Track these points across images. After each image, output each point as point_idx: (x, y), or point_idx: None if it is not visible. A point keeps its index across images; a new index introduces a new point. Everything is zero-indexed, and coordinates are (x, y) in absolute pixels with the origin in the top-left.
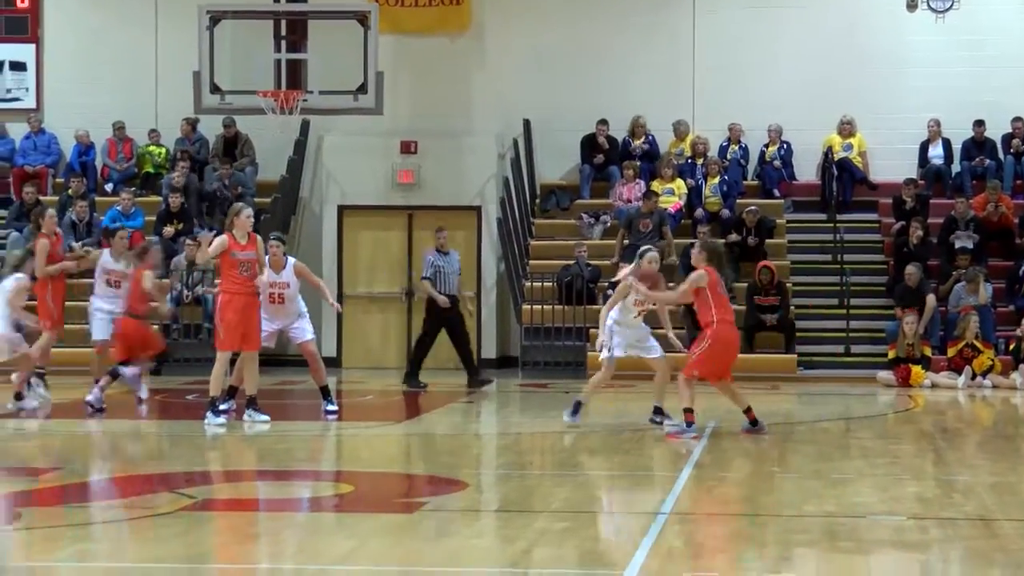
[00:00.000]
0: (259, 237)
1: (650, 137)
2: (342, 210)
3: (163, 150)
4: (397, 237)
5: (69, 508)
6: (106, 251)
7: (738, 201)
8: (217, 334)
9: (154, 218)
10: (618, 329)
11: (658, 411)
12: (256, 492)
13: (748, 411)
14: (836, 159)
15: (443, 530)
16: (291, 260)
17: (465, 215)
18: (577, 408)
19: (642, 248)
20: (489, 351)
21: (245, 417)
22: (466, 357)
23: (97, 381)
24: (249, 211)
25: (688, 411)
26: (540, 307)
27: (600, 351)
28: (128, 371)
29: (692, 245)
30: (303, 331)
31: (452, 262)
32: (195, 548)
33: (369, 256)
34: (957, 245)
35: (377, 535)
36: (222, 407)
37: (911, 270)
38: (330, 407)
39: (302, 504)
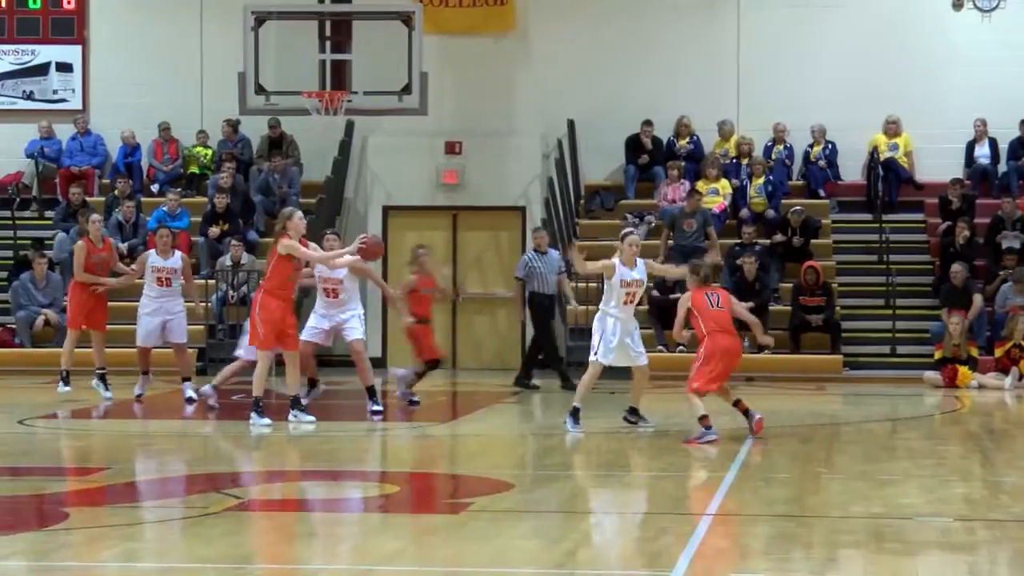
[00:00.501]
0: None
1: (695, 137)
2: (387, 210)
3: (209, 151)
4: (441, 237)
5: (116, 508)
6: (151, 251)
7: (783, 201)
8: (256, 334)
9: (200, 219)
10: (610, 321)
11: (633, 411)
12: (301, 492)
13: (738, 403)
14: (882, 159)
15: (489, 531)
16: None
17: (509, 216)
18: (576, 415)
19: (625, 230)
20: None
21: (290, 418)
22: (551, 357)
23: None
24: (300, 214)
25: (703, 418)
26: (585, 308)
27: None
28: (401, 372)
29: (739, 247)
30: (354, 329)
31: (549, 262)
32: (241, 548)
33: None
34: (1004, 245)
35: (423, 536)
36: (304, 401)
37: (957, 269)
38: (375, 407)
39: (347, 504)
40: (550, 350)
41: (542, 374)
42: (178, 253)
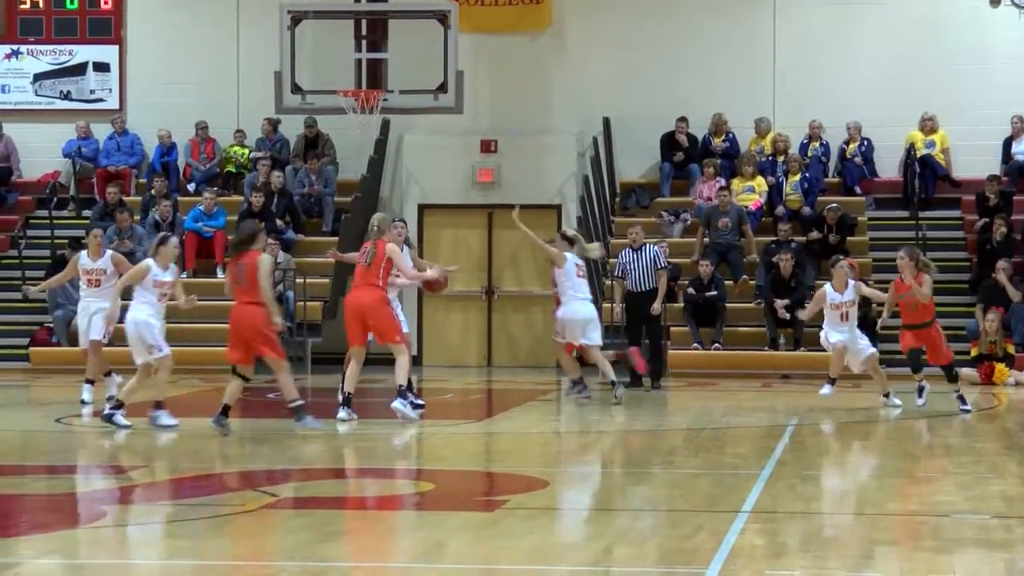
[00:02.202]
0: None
1: (730, 135)
2: (422, 209)
3: (247, 150)
4: (477, 236)
5: (152, 506)
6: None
7: (819, 198)
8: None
9: (236, 218)
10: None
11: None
12: (338, 490)
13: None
14: (918, 156)
15: (524, 528)
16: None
17: (545, 214)
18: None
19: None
20: None
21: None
22: (653, 353)
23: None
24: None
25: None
26: (620, 305)
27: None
28: None
29: (775, 244)
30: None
31: (644, 256)
32: (276, 546)
33: (449, 255)
34: None
35: (458, 533)
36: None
37: (1004, 265)
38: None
39: (383, 502)
40: (652, 349)
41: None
42: (108, 253)
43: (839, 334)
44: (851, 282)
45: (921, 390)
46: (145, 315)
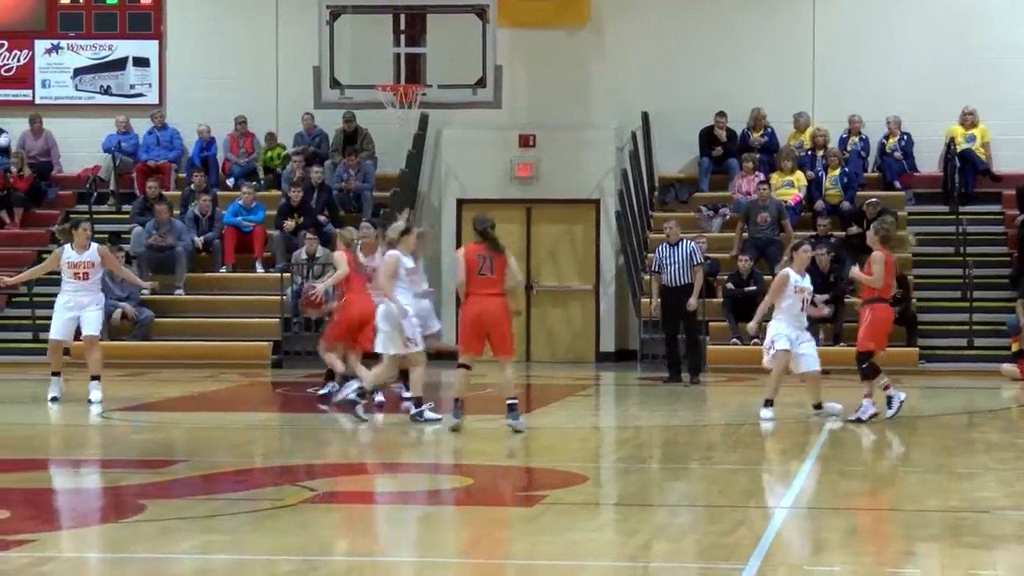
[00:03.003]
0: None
1: (769, 129)
2: (461, 203)
3: (280, 149)
4: (515, 230)
5: (192, 500)
6: (67, 246)
7: (858, 193)
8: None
9: (275, 212)
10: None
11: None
12: (376, 485)
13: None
14: (958, 150)
15: (562, 523)
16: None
17: (583, 208)
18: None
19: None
20: (608, 345)
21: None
22: (690, 349)
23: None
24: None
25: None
26: (657, 300)
27: None
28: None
29: (814, 239)
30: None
31: (679, 252)
32: (315, 541)
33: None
34: None
35: (497, 528)
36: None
37: None
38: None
39: (421, 497)
40: (668, 344)
41: (618, 367)
42: (94, 246)
43: (786, 334)
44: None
45: (889, 400)
46: None
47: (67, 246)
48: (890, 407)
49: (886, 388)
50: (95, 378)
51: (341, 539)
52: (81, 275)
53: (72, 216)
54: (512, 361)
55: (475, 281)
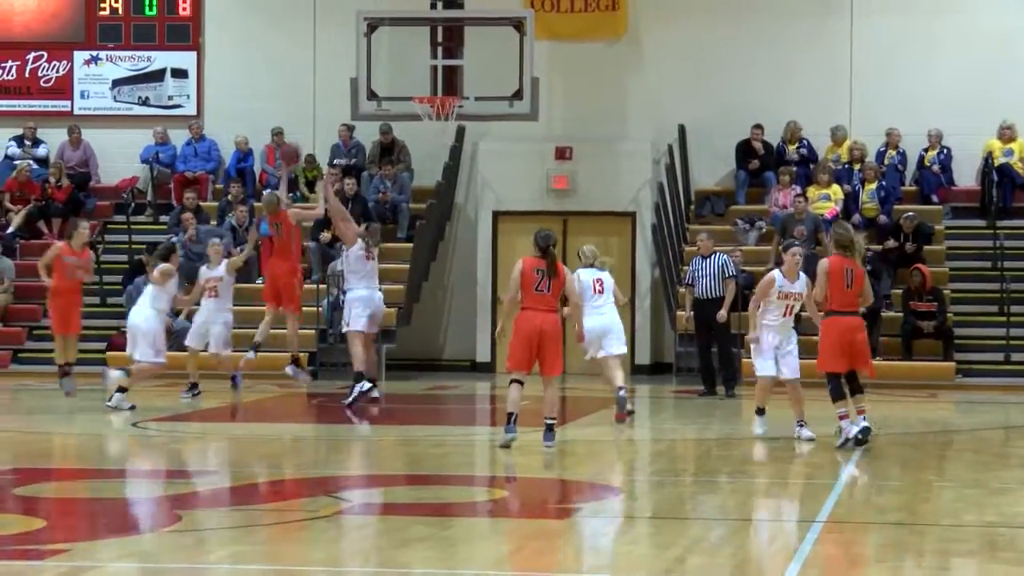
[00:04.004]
0: None
1: (804, 142)
2: (497, 216)
3: (316, 172)
4: None
5: (226, 511)
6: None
7: (896, 207)
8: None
9: (311, 224)
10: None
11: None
12: (411, 496)
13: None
14: (996, 164)
15: (597, 536)
16: None
17: (620, 221)
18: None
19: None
20: (643, 357)
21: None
22: (723, 362)
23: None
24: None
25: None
26: (690, 313)
27: None
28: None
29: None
30: None
31: (711, 264)
32: (350, 552)
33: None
34: None
35: (531, 540)
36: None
37: None
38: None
39: (455, 509)
40: (701, 357)
41: (653, 379)
42: (225, 261)
43: (770, 356)
44: (802, 274)
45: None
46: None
47: (204, 266)
48: (839, 437)
49: (841, 418)
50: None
51: (375, 551)
52: (214, 291)
53: (110, 226)
54: (557, 379)
55: (530, 296)
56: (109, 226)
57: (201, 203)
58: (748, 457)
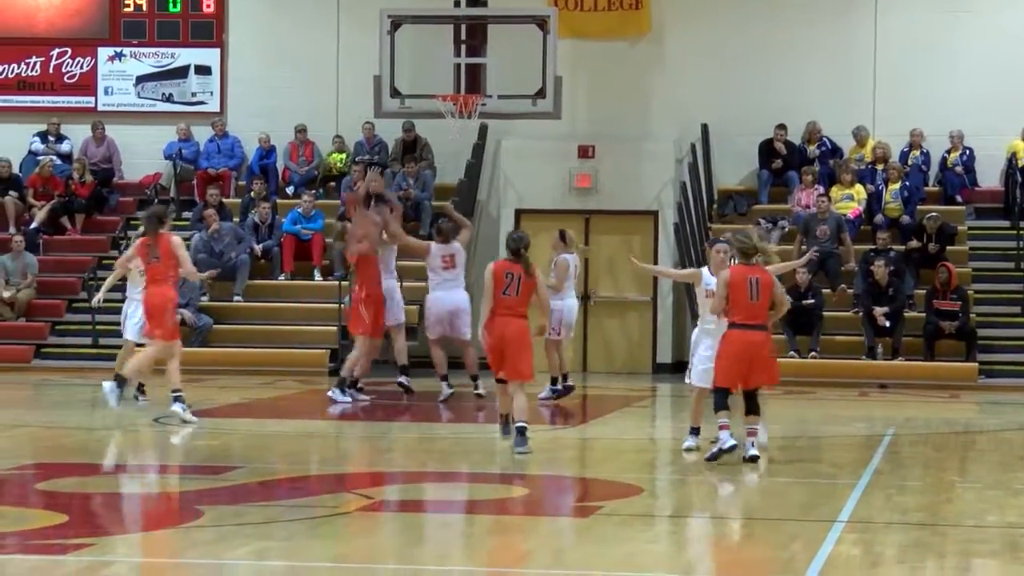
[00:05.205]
0: None
1: (824, 141)
2: (519, 214)
3: (344, 156)
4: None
5: (248, 507)
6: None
7: (919, 207)
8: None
9: (334, 220)
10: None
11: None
12: (432, 494)
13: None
14: (1020, 165)
15: (618, 534)
16: None
17: (642, 220)
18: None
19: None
20: (664, 356)
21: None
22: None
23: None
24: None
25: None
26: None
27: None
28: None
29: (874, 252)
30: None
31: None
32: (371, 549)
33: (546, 260)
34: None
35: (552, 538)
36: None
37: None
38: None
39: (477, 506)
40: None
41: (675, 378)
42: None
43: (705, 363)
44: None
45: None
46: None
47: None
48: (713, 449)
49: (721, 428)
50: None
51: (397, 547)
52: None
53: (133, 223)
54: (525, 384)
55: (498, 300)
56: (132, 222)
57: (224, 200)
58: (771, 456)
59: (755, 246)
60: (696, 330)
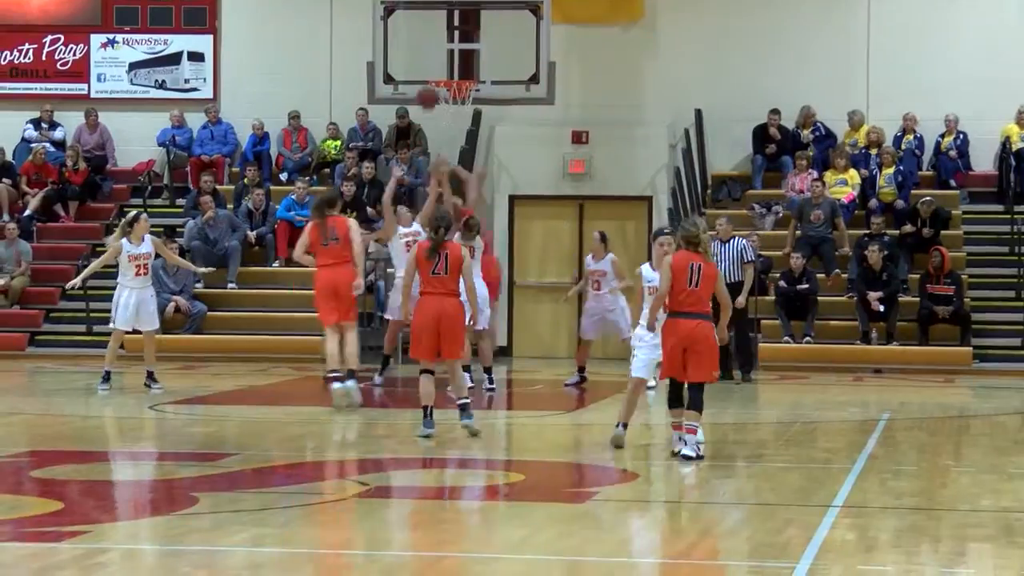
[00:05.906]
0: None
1: (818, 125)
2: (513, 200)
3: (338, 143)
4: (568, 227)
5: (244, 494)
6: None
7: (913, 192)
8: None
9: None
10: None
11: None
12: (428, 480)
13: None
14: (1014, 149)
15: (613, 520)
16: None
17: (636, 205)
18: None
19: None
20: None
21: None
22: (740, 347)
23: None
24: None
25: None
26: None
27: None
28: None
29: (868, 237)
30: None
31: (731, 249)
32: (368, 535)
33: (540, 246)
34: None
35: (547, 524)
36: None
37: None
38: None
39: (473, 492)
40: (739, 341)
41: None
42: (148, 238)
43: (646, 355)
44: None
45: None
46: None
47: (125, 240)
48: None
49: (674, 427)
50: (151, 373)
51: (393, 534)
52: (143, 268)
53: (126, 209)
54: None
55: (427, 280)
56: (125, 209)
57: (217, 186)
58: (766, 442)
59: (699, 236)
60: (639, 329)
